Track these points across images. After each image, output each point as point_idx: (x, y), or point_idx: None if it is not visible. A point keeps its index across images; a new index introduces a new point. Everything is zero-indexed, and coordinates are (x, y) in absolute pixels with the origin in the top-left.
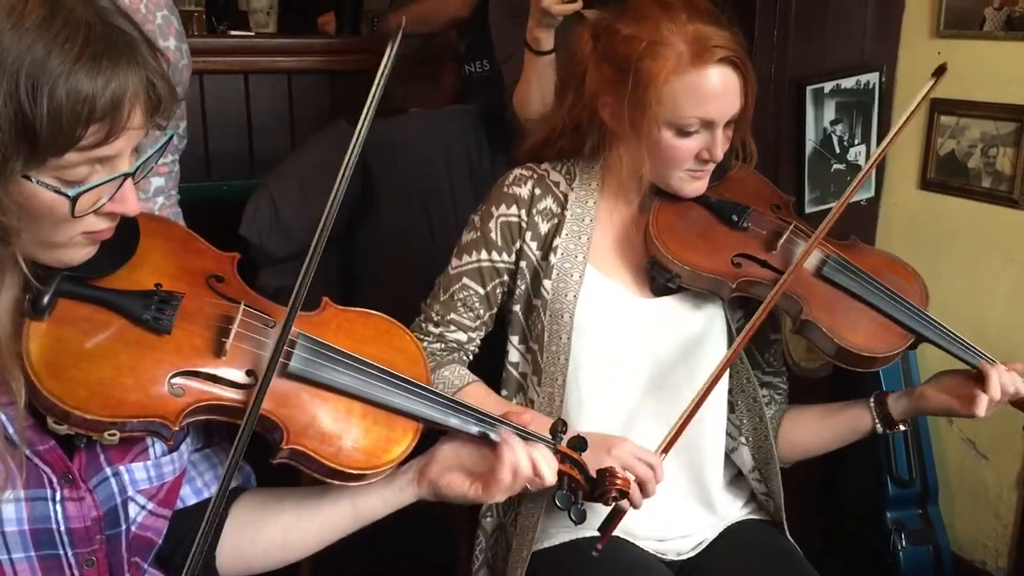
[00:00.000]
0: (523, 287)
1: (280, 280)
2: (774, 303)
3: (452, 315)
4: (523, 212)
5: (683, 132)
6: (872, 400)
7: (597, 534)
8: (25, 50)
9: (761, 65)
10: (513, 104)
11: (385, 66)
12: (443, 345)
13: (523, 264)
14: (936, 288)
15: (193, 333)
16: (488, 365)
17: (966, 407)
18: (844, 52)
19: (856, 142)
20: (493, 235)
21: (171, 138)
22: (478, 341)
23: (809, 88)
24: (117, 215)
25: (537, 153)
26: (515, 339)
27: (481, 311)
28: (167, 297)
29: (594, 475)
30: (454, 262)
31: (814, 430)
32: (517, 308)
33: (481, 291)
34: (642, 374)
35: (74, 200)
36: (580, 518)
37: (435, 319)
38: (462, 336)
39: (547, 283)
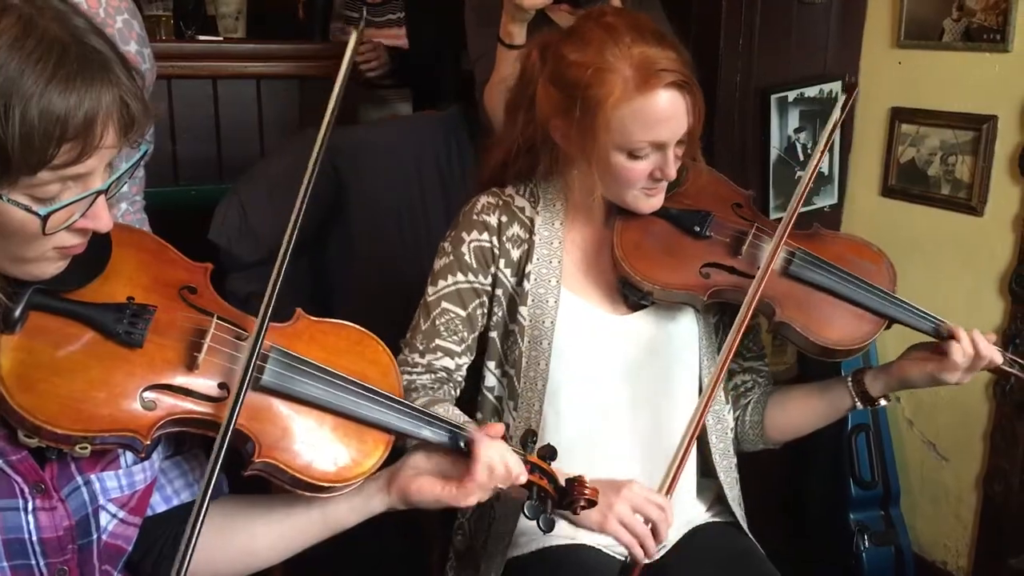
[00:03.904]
0: (500, 314)
1: (250, 285)
2: (748, 317)
3: (437, 341)
4: (494, 239)
5: (634, 155)
6: (850, 379)
7: (567, 541)
8: None
9: (727, 74)
10: (484, 101)
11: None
12: (432, 376)
13: (499, 291)
14: (897, 292)
15: (165, 346)
16: (463, 388)
17: (944, 368)
18: (807, 62)
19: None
20: (467, 258)
21: (145, 154)
22: (464, 370)
23: (773, 97)
24: (89, 231)
25: (497, 176)
26: (491, 364)
27: (465, 333)
28: (139, 310)
29: (563, 484)
30: (430, 290)
31: (799, 411)
32: (495, 335)
33: (463, 313)
34: (619, 391)
35: (45, 219)
36: (549, 527)
37: (420, 348)
38: (449, 363)
39: (523, 310)
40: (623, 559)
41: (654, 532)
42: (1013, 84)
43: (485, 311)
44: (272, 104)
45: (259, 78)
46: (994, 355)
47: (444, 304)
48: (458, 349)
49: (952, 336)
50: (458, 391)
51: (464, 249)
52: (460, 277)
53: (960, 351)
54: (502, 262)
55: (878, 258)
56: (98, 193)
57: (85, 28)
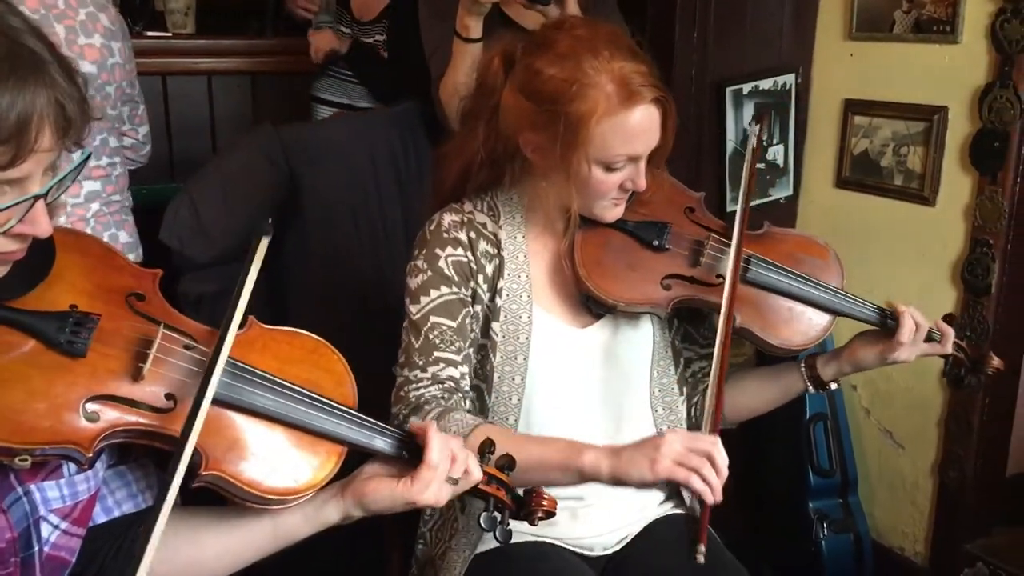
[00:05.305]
0: (476, 330)
1: (202, 287)
2: (729, 337)
3: (435, 353)
4: (469, 254)
5: (610, 168)
6: (802, 364)
7: (531, 538)
8: None
9: (682, 68)
10: (439, 94)
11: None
12: (440, 387)
13: (476, 307)
14: (852, 282)
15: (109, 356)
16: None
17: (891, 347)
18: (762, 54)
19: (775, 141)
20: (448, 272)
21: (88, 158)
22: (469, 379)
23: (729, 89)
24: (28, 236)
25: (459, 190)
26: None
27: (460, 343)
28: (82, 319)
29: (521, 494)
30: (412, 309)
31: (753, 395)
32: (470, 351)
33: (453, 324)
34: (588, 399)
35: None
36: (506, 538)
37: (420, 363)
38: (454, 372)
39: (496, 326)
40: (580, 551)
41: (716, 469)
42: (963, 75)
43: (472, 321)
44: (224, 100)
45: (210, 74)
46: (924, 322)
47: (433, 319)
48: (457, 359)
49: (897, 318)
50: (467, 402)
51: (442, 264)
52: (444, 290)
53: (907, 330)
54: (480, 278)
55: (825, 252)
56: (36, 198)
57: (20, 28)
